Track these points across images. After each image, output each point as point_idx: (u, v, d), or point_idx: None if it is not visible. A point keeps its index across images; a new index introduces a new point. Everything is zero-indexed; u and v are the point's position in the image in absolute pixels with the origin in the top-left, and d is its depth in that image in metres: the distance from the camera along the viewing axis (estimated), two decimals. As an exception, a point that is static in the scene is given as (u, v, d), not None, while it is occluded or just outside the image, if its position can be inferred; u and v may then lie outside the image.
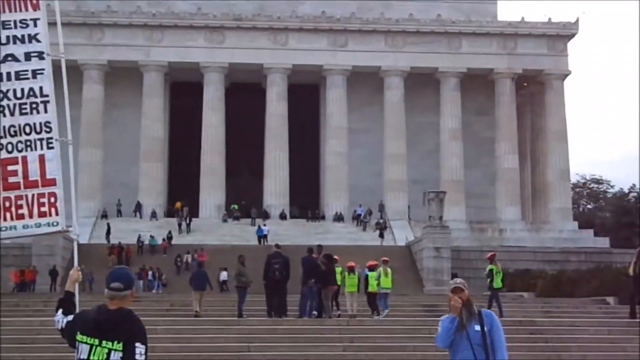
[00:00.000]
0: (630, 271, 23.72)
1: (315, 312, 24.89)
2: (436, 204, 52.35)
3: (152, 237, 59.69)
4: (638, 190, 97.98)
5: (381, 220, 68.19)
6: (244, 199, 72.86)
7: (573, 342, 21.39)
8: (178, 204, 70.28)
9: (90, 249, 52.21)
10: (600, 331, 22.39)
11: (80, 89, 68.09)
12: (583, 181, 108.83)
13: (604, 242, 67.07)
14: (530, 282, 41.27)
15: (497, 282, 26.07)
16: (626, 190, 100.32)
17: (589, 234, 70.46)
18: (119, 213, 69.64)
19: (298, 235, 61.81)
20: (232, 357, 19.93)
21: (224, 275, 47.12)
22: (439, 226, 52.22)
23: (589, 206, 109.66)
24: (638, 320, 22.97)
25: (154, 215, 68.28)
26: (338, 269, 26.89)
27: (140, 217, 68.22)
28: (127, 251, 55.57)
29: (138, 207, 69.49)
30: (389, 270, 27.01)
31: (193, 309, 27.87)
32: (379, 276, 26.60)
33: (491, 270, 26.80)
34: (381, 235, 62.91)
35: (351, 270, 27.42)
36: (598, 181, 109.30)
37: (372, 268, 27.62)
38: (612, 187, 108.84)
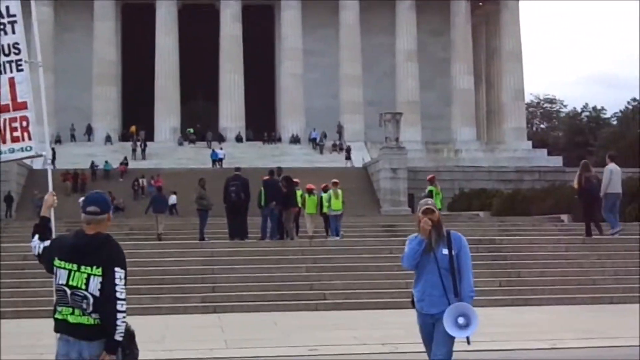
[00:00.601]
0: (575, 184, 23.94)
1: (277, 235, 25.00)
2: (392, 125, 52.47)
3: (106, 162, 59.12)
4: (590, 110, 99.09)
5: (338, 142, 68.28)
6: (199, 122, 72.41)
7: (532, 260, 21.74)
8: (133, 128, 69.65)
9: (44, 174, 51.56)
10: (558, 248, 22.76)
11: (29, 11, 66.45)
12: (537, 101, 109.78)
13: (557, 161, 68.02)
14: (486, 202, 41.75)
15: (437, 203, 26.20)
16: (579, 110, 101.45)
17: (542, 153, 71.39)
18: (73, 138, 68.89)
19: (255, 157, 61.69)
20: (197, 279, 20.00)
21: (172, 199, 47.14)
22: (395, 147, 52.44)
23: (542, 126, 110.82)
24: (593, 237, 23.33)
25: (108, 139, 67.67)
26: (298, 192, 27.01)
27: (89, 140, 67.52)
28: (82, 177, 55.04)
29: (89, 131, 68.74)
30: (339, 192, 27.14)
31: (155, 232, 28.12)
32: (329, 198, 26.74)
33: (430, 191, 27.15)
34: (348, 158, 62.80)
35: (310, 192, 27.57)
36: (551, 101, 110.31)
37: (325, 190, 27.84)
38: (565, 106, 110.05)
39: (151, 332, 14.84)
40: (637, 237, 23.99)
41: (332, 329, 15.29)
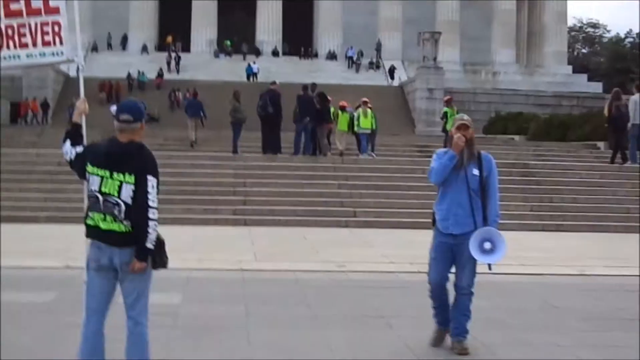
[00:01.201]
0: (605, 112, 23.78)
1: (310, 150, 24.99)
2: (431, 44, 51.74)
3: (141, 73, 59.00)
4: (634, 36, 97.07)
5: (375, 60, 67.64)
6: (236, 35, 71.89)
7: (565, 185, 21.62)
8: (169, 38, 69.37)
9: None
10: (592, 175, 22.58)
11: None
12: (579, 25, 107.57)
13: (597, 87, 66.93)
14: (522, 126, 41.26)
15: (451, 125, 25.95)
16: (622, 36, 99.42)
17: (582, 78, 70.24)
18: (109, 47, 68.83)
19: (290, 72, 61.29)
20: (228, 192, 20.13)
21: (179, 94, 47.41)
22: (432, 67, 51.83)
23: (584, 50, 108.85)
24: (617, 165, 23.14)
25: (144, 49, 67.48)
26: (332, 109, 26.94)
27: (124, 50, 67.40)
28: (117, 88, 55.09)
29: (125, 41, 68.58)
30: (368, 110, 26.95)
31: (188, 138, 28.36)
32: (359, 117, 26.61)
33: (445, 112, 27.07)
34: (392, 77, 61.97)
35: (343, 109, 27.42)
36: (595, 25, 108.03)
37: (357, 107, 27.76)
38: (608, 31, 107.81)
39: (182, 242, 14.98)
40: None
41: (361, 246, 15.39)
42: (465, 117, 7.44)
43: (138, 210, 5.72)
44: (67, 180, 18.64)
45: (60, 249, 13.44)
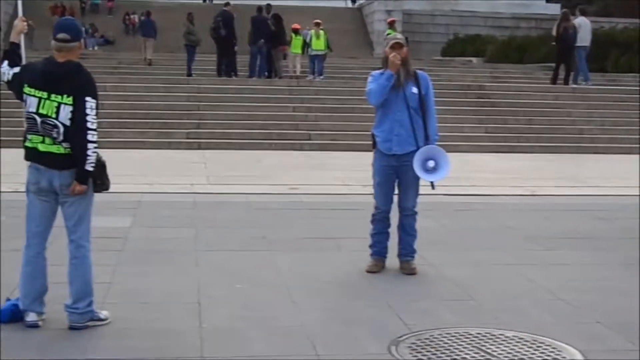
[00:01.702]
0: (554, 32, 24.22)
1: (266, 73, 24.79)
2: (383, -35, 51.15)
3: (91, -6, 57.70)
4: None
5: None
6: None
7: (520, 107, 21.65)
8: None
9: (32, 5, 50.52)
10: (546, 97, 22.63)
11: None
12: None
13: (555, 9, 66.48)
14: (480, 48, 41.24)
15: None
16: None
17: (540, 0, 70.02)
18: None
19: (247, -6, 60.38)
20: (182, 114, 19.88)
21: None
22: (391, -11, 51.33)
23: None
24: (557, 85, 23.60)
25: (97, -30, 65.92)
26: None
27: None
28: (70, 11, 53.70)
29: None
30: (320, 32, 26.73)
31: (144, 58, 28.11)
32: (310, 39, 26.41)
33: (388, 34, 27.02)
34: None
35: (296, 31, 27.14)
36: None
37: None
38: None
39: (134, 165, 14.91)
40: (625, 87, 23.94)
41: (315, 169, 15.36)
42: (399, 35, 7.37)
43: (77, 132, 5.61)
44: (7, 103, 18.25)
45: (9, 173, 13.23)
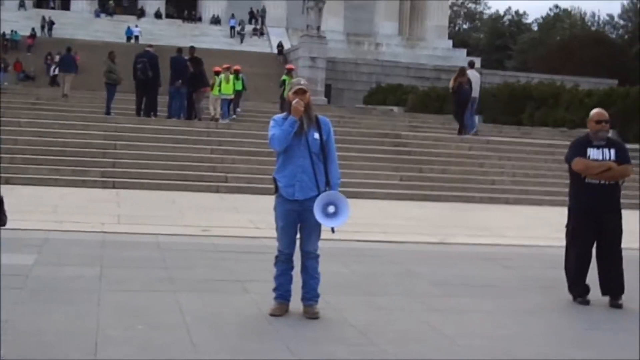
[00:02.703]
0: (450, 85, 25.18)
1: (184, 114, 24.76)
2: (315, 13, 51.66)
3: (14, 31, 56.85)
4: (513, 14, 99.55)
5: (259, 27, 67.27)
6: (118, -6, 70.29)
7: (435, 157, 22.07)
8: (48, -6, 67.31)
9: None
10: (461, 147, 23.11)
11: None
12: (461, 0, 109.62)
13: (476, 63, 68.35)
14: (402, 97, 41.92)
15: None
16: (502, 13, 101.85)
17: (462, 53, 71.62)
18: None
19: (173, 36, 60.50)
20: (98, 153, 19.70)
21: (54, 69, 47.07)
22: (316, 36, 51.80)
23: (464, 26, 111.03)
24: (462, 136, 24.37)
25: (22, 4, 65.18)
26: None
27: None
28: (-9, 48, 52.86)
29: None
30: (230, 76, 27.19)
31: (61, 91, 28.12)
32: (220, 82, 26.72)
33: (284, 80, 27.81)
34: (280, 52, 60.22)
35: (217, 74, 27.40)
36: (475, 1, 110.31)
37: (235, 72, 28.18)
38: (488, 8, 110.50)
39: (45, 203, 14.70)
40: (538, 141, 24.59)
41: (229, 211, 15.34)
42: (303, 81, 7.42)
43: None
44: None
45: None
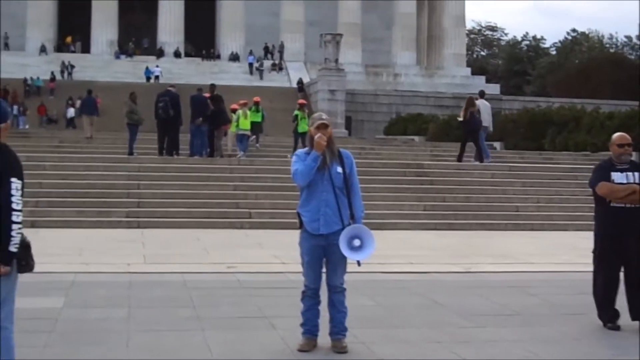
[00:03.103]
0: (461, 117, 25.45)
1: (207, 151, 24.91)
2: (332, 46, 51.99)
3: (35, 77, 57.35)
4: (530, 39, 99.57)
5: (278, 62, 67.69)
6: (137, 35, 71.02)
7: (458, 185, 22.03)
8: (69, 38, 68.09)
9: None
10: (484, 174, 23.09)
11: None
12: (478, 28, 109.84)
13: (494, 89, 68.40)
14: (422, 127, 41.96)
15: (302, 127, 27.21)
16: (519, 39, 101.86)
17: (481, 80, 71.68)
18: (6, 47, 67.10)
19: (193, 74, 60.97)
20: (122, 194, 19.86)
21: (70, 112, 48.38)
22: (334, 69, 52.10)
23: (482, 53, 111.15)
24: (463, 163, 24.66)
25: (43, 49, 66.02)
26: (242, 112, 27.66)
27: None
28: (13, 93, 52.87)
29: (22, 40, 66.82)
30: (247, 112, 27.47)
31: (84, 135, 28.45)
32: (238, 118, 26.96)
33: (296, 115, 28.10)
34: (300, 90, 59.97)
35: (234, 111, 27.68)
36: (492, 28, 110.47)
37: (257, 104, 28.90)
38: (506, 34, 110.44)
39: (71, 245, 14.79)
40: (561, 166, 24.50)
41: (254, 247, 15.38)
42: (324, 116, 7.46)
43: (1, 213, 5.60)
44: None
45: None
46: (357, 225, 7.22)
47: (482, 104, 25.69)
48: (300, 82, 58.58)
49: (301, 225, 7.39)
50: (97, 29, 68.04)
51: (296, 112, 28.67)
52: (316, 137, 7.20)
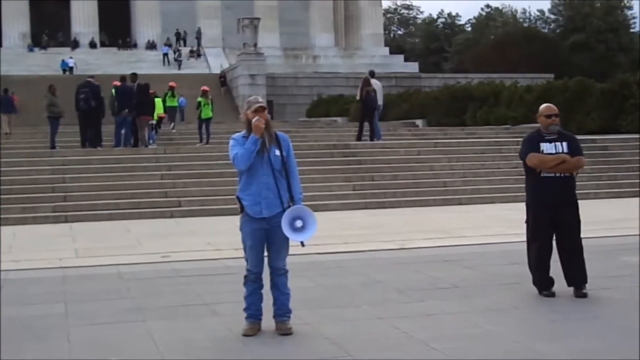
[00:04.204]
0: (357, 96, 26.11)
1: (131, 141, 24.61)
2: (250, 30, 51.86)
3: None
4: (446, 16, 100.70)
5: (195, 48, 67.12)
6: (50, 27, 69.59)
7: (385, 164, 22.20)
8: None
9: None
10: (410, 152, 23.29)
11: None
12: (394, 7, 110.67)
13: (413, 67, 69.06)
14: (344, 107, 42.15)
15: (206, 113, 27.39)
16: (435, 17, 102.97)
17: (399, 59, 72.28)
18: None
19: (110, 64, 60.08)
20: (47, 188, 19.47)
21: None
22: (253, 53, 51.98)
23: (399, 32, 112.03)
24: (362, 142, 24.91)
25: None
26: (158, 99, 27.35)
27: None
28: None
29: None
30: (156, 99, 27.61)
31: (3, 131, 27.94)
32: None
33: (199, 102, 28.30)
34: (223, 84, 58.17)
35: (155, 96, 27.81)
36: (408, 7, 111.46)
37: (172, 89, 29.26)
38: (421, 12, 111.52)
39: (-2, 242, 14.47)
40: (484, 140, 24.88)
41: (187, 235, 15.26)
42: (261, 99, 7.45)
43: None
44: None
45: None
46: (298, 206, 7.23)
47: (375, 84, 26.14)
48: (223, 75, 57.38)
49: (242, 210, 7.34)
50: (8, 21, 66.49)
51: (199, 99, 28.81)
52: (254, 120, 7.17)
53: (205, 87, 29.61)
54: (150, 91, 26.76)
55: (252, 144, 7.15)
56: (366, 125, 25.67)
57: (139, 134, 24.72)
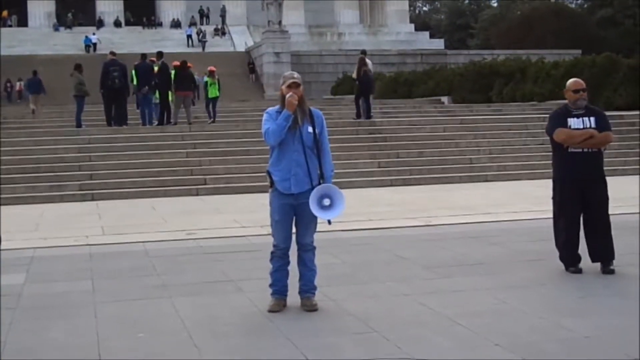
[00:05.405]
0: (354, 75, 25.86)
1: (155, 121, 24.61)
2: (275, 8, 51.74)
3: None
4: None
5: (220, 27, 67.05)
6: (74, 6, 69.74)
7: (411, 140, 22.14)
8: (4, 12, 66.63)
9: None
10: (435, 129, 23.20)
11: None
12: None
13: (439, 44, 68.63)
14: (369, 85, 41.91)
15: (212, 92, 27.18)
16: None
17: (424, 36, 71.82)
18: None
19: (135, 43, 60.19)
20: (73, 167, 19.60)
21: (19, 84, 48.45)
22: (278, 31, 51.89)
23: (425, 8, 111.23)
24: (360, 120, 24.63)
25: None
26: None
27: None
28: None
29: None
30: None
31: (30, 109, 28.85)
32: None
33: (206, 82, 28.15)
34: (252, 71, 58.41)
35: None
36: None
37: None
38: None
39: (26, 221, 14.59)
40: (510, 116, 24.71)
41: (212, 213, 15.31)
42: (296, 74, 7.36)
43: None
44: None
45: None
46: (327, 184, 7.19)
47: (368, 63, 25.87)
48: (251, 62, 56.70)
49: (272, 185, 7.33)
50: (34, 1, 66.69)
51: (206, 78, 28.68)
52: (287, 95, 7.12)
53: (212, 68, 29.50)
54: (189, 64, 26.62)
55: (283, 120, 7.12)
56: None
57: (172, 111, 24.48)
